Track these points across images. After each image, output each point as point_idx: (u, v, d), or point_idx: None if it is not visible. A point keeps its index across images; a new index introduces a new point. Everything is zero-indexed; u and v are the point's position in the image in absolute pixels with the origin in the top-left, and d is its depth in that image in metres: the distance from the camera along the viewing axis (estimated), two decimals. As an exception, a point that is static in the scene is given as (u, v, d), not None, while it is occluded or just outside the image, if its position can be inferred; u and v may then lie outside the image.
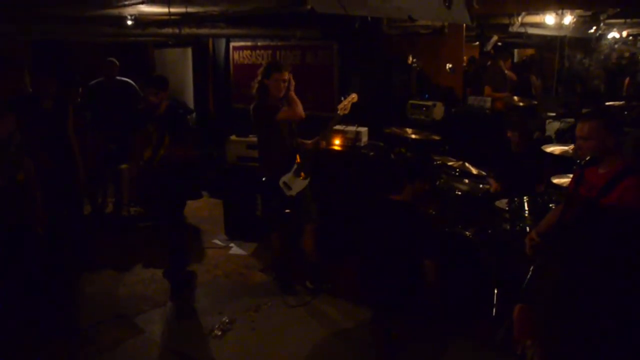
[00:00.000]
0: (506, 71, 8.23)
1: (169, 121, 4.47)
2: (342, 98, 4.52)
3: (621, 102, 7.44)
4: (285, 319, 4.37)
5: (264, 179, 4.45)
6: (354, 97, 4.52)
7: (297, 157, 4.52)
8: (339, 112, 4.47)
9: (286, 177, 4.46)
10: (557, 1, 5.36)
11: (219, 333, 4.12)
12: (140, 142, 4.36)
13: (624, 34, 10.38)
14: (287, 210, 4.55)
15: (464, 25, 6.54)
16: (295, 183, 4.49)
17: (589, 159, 2.70)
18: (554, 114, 7.14)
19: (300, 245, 4.75)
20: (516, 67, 9.90)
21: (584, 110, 5.99)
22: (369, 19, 4.63)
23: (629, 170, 2.68)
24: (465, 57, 10.26)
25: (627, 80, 10.18)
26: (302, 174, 4.53)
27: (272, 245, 4.89)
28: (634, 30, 10.46)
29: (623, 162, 2.74)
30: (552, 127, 7.01)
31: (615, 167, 2.72)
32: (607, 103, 7.63)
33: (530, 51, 11.63)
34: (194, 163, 5.26)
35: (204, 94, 8.20)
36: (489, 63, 8.69)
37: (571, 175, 3.40)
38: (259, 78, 4.47)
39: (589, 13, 6.85)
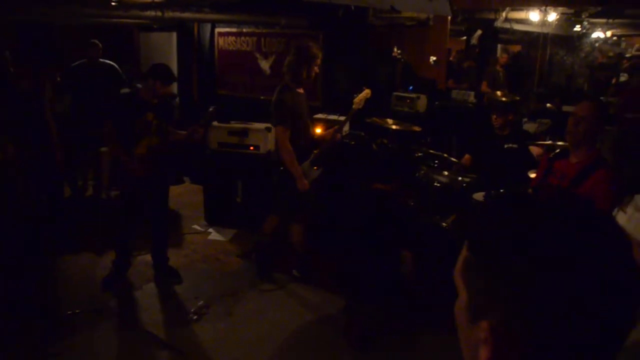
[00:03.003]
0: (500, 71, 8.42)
1: (166, 109, 4.42)
2: (355, 95, 4.55)
3: (602, 99, 7.54)
4: (260, 305, 4.39)
5: (282, 168, 4.41)
6: (367, 92, 4.55)
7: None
8: (353, 106, 4.51)
9: (304, 166, 4.44)
10: (540, -2, 5.40)
11: (195, 317, 4.13)
12: (139, 132, 4.28)
13: (608, 34, 10.49)
14: (299, 199, 4.53)
15: (449, 18, 6.57)
16: (310, 172, 4.48)
17: (558, 152, 2.76)
18: (529, 112, 7.20)
19: (290, 233, 4.75)
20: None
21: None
22: (353, 8, 4.64)
23: (601, 162, 2.74)
24: (454, 51, 10.36)
25: (614, 80, 10.28)
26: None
27: (264, 228, 4.80)
28: (618, 31, 10.57)
29: (596, 153, 2.80)
30: (528, 127, 7.05)
31: (588, 158, 2.78)
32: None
33: (515, 47, 11.70)
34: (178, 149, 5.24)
35: (188, 80, 8.17)
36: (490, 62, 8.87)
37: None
38: (302, 63, 4.32)
39: (572, 11, 6.92)
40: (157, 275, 4.73)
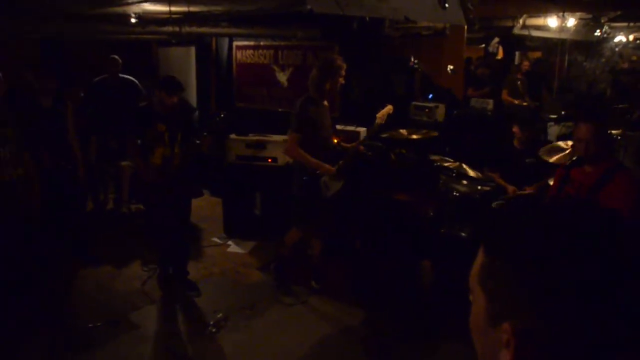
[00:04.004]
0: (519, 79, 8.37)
1: (179, 120, 4.48)
2: (380, 109, 4.59)
3: (624, 105, 7.43)
4: (280, 317, 4.39)
5: (305, 177, 4.44)
6: (390, 108, 4.59)
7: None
8: (377, 121, 4.55)
9: (326, 177, 4.47)
10: (557, 4, 5.34)
11: (214, 330, 4.14)
12: (150, 142, 4.36)
13: (631, 37, 10.34)
14: (321, 211, 4.55)
15: (466, 27, 6.55)
16: (333, 184, 4.50)
17: (574, 160, 2.72)
18: (555, 116, 7.14)
19: (309, 245, 4.76)
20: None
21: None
22: (367, 19, 4.64)
23: (618, 167, 2.71)
24: (474, 59, 10.32)
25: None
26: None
27: (286, 241, 4.78)
28: (640, 34, 10.42)
29: (612, 160, 2.77)
30: (553, 131, 7.01)
31: (605, 165, 2.74)
32: (611, 106, 7.62)
33: (535, 54, 11.60)
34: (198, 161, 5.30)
35: (207, 93, 8.24)
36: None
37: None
38: (326, 76, 4.35)
39: (590, 16, 6.84)
40: (177, 287, 4.77)
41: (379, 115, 4.54)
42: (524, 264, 0.66)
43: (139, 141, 4.36)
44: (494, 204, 4.58)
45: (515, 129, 5.02)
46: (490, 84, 8.70)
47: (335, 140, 5.30)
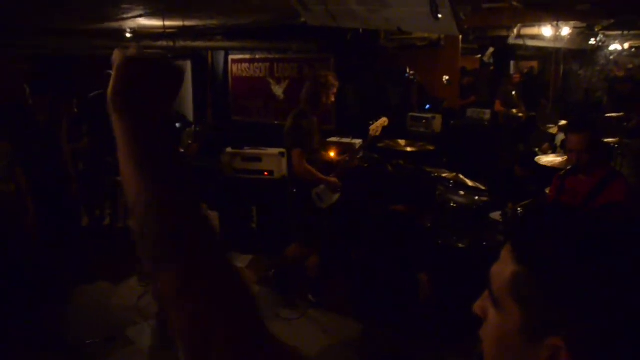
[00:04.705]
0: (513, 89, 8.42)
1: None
2: (371, 122, 4.60)
3: (620, 114, 7.44)
4: (277, 331, 4.26)
5: (294, 190, 4.43)
6: (385, 120, 4.62)
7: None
8: (370, 133, 4.57)
9: (319, 189, 4.44)
10: (551, 13, 5.36)
11: (210, 346, 4.09)
12: None
13: (626, 45, 10.38)
14: (315, 223, 4.53)
15: (460, 37, 6.56)
16: (327, 197, 4.48)
17: (569, 169, 2.71)
18: (552, 126, 7.13)
19: (306, 258, 4.73)
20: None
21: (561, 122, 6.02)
22: (361, 31, 4.66)
23: (614, 175, 2.70)
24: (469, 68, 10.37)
25: None
26: None
27: (287, 256, 4.75)
28: (636, 42, 10.45)
29: (608, 168, 2.76)
30: (559, 138, 7.00)
31: (600, 173, 2.73)
32: (607, 115, 7.63)
33: (531, 63, 11.66)
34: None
35: (203, 107, 8.24)
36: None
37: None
38: (319, 91, 4.38)
39: (584, 25, 6.87)
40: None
41: (372, 127, 4.54)
42: (574, 275, 0.62)
43: None
44: (491, 215, 4.56)
45: (517, 169, 5.05)
46: (475, 93, 8.79)
47: (332, 154, 5.30)
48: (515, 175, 5.04)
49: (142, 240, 0.70)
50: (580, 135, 2.80)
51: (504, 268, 0.69)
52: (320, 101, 4.37)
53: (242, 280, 0.73)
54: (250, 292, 0.74)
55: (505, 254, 0.69)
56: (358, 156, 4.97)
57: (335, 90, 4.42)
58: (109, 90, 0.77)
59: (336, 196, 4.53)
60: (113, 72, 0.77)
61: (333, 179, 4.40)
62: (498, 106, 7.88)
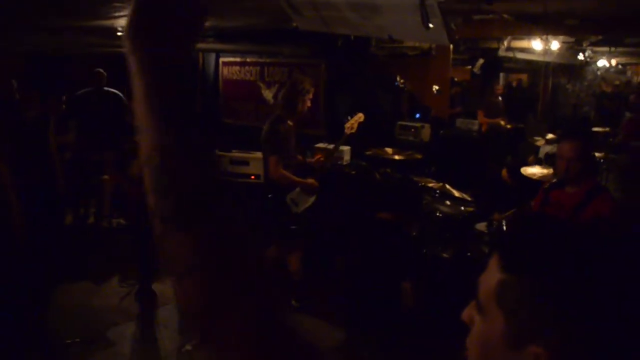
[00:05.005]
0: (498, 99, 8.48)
1: None
2: (348, 117, 4.58)
3: (606, 129, 7.53)
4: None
5: (270, 195, 4.43)
6: (360, 116, 4.62)
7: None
8: (345, 131, 4.55)
9: (293, 194, 4.44)
10: (540, 27, 5.42)
11: (190, 348, 4.06)
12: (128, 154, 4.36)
13: (613, 62, 10.52)
14: (292, 227, 4.53)
15: (451, 47, 6.61)
16: (302, 200, 4.48)
17: (554, 182, 2.72)
18: (539, 138, 7.20)
19: (287, 262, 4.71)
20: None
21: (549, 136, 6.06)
22: (352, 37, 4.68)
23: (599, 189, 2.72)
24: (457, 79, 10.44)
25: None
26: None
27: (267, 256, 4.77)
28: (622, 59, 10.60)
29: (593, 181, 2.77)
30: (544, 150, 7.05)
31: (586, 186, 2.74)
32: (594, 129, 7.72)
33: (520, 76, 11.76)
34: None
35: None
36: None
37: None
38: (295, 96, 4.39)
39: (573, 39, 6.95)
40: (155, 304, 4.71)
41: (347, 125, 4.56)
42: (555, 285, 0.63)
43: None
44: (477, 225, 4.58)
45: (504, 172, 5.07)
46: (462, 103, 8.86)
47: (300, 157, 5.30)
48: (503, 180, 5.06)
49: (154, 196, 0.65)
50: (574, 143, 2.80)
51: (490, 276, 0.70)
52: (296, 107, 4.38)
53: (259, 257, 0.70)
54: (266, 268, 0.69)
55: (493, 263, 0.70)
56: (334, 155, 4.97)
57: (311, 95, 4.43)
58: (126, 25, 0.68)
59: (312, 199, 4.53)
60: (131, 5, 0.67)
61: (310, 181, 4.40)
62: (481, 117, 7.93)
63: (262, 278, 0.67)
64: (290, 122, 4.45)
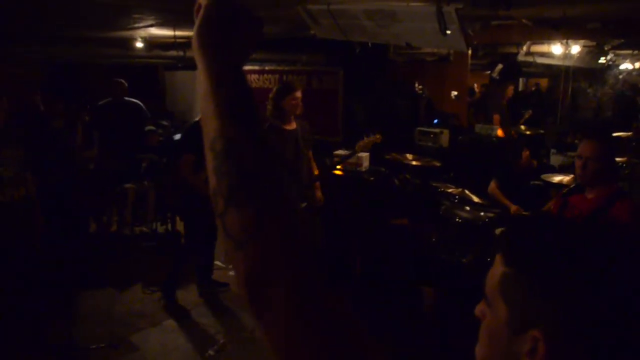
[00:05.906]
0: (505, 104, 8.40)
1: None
2: (365, 136, 4.58)
3: (629, 133, 7.41)
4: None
5: None
6: (377, 137, 4.58)
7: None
8: (356, 149, 4.61)
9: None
10: (561, 32, 5.38)
11: (213, 354, 4.10)
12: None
13: (637, 65, 10.37)
14: None
15: (470, 53, 6.59)
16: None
17: (573, 187, 2.69)
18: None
19: None
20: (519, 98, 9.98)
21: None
22: (369, 45, 4.70)
23: (619, 195, 2.67)
24: (476, 85, 10.38)
25: None
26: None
27: None
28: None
29: (614, 187, 2.72)
30: (556, 159, 6.97)
31: (606, 192, 2.69)
32: (615, 134, 7.61)
33: (540, 80, 11.65)
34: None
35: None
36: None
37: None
38: (280, 98, 4.42)
39: (594, 44, 6.88)
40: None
41: (359, 144, 4.54)
42: (550, 276, 0.69)
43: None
44: (497, 230, 4.55)
45: (525, 153, 5.02)
46: (484, 111, 8.80)
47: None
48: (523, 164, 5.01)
49: (217, 177, 0.74)
50: (593, 142, 2.75)
51: (495, 270, 0.77)
52: (282, 109, 4.37)
53: (308, 233, 0.77)
54: (314, 245, 0.77)
55: (498, 258, 0.77)
56: (364, 166, 4.98)
57: (296, 94, 4.39)
58: (194, 29, 0.80)
59: (302, 205, 4.52)
60: (200, 13, 0.80)
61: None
62: (496, 121, 7.85)
63: (310, 254, 0.75)
64: (286, 127, 4.45)
